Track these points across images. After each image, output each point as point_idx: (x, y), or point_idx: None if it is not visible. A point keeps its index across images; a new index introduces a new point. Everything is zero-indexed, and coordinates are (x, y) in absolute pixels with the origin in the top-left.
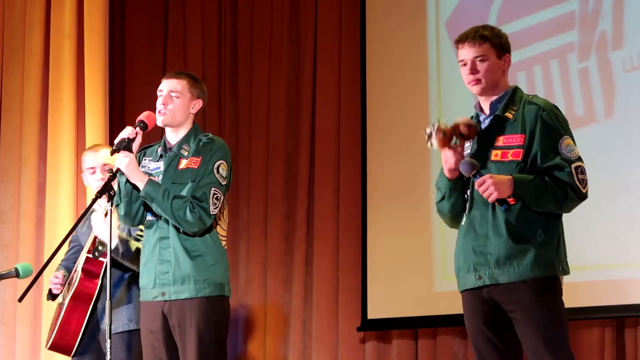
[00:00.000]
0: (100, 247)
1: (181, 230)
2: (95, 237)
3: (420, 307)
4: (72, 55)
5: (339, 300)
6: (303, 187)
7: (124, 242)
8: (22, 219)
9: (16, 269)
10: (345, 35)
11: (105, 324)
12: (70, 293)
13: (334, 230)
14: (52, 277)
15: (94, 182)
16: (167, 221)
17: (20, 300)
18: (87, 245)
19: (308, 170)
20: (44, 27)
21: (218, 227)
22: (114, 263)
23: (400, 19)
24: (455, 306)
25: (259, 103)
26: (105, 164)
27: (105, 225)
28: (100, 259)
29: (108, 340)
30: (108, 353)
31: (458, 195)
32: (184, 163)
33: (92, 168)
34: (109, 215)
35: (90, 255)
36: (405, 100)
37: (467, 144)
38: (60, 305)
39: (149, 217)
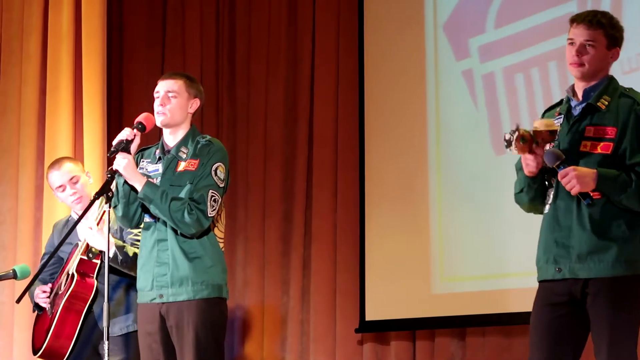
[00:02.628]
0: (94, 249)
1: (179, 232)
2: (86, 242)
3: (418, 309)
4: (70, 57)
5: (337, 302)
6: (301, 188)
7: (121, 248)
8: (20, 220)
9: (14, 271)
10: (343, 37)
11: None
12: (65, 296)
13: (332, 232)
14: (39, 292)
15: (68, 198)
16: (165, 223)
17: (17, 301)
18: (81, 249)
19: (306, 172)
20: (41, 30)
21: (216, 229)
22: (113, 270)
23: (399, 21)
24: (453, 308)
25: (256, 105)
26: (71, 178)
27: (98, 234)
28: (94, 260)
29: (106, 342)
30: (106, 355)
31: (537, 189)
32: (182, 165)
33: (61, 186)
34: (102, 223)
35: (85, 257)
36: (403, 103)
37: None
38: (46, 313)
39: (147, 219)
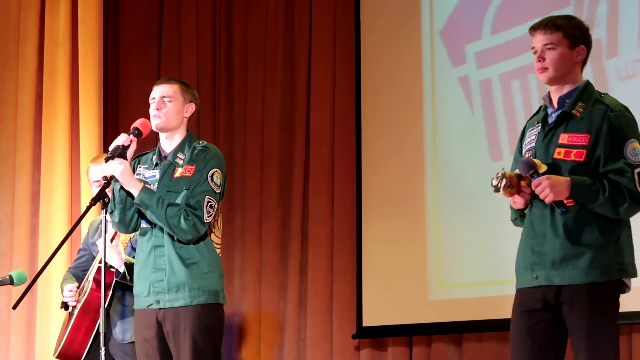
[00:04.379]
0: (115, 278)
1: (175, 238)
2: (104, 249)
3: (415, 315)
4: (67, 62)
5: (334, 308)
6: (298, 194)
7: (132, 266)
8: (17, 226)
9: (10, 277)
10: (340, 42)
11: (116, 333)
12: (81, 302)
13: (329, 237)
14: (66, 291)
15: None
16: (161, 229)
17: (14, 307)
18: (99, 256)
19: (303, 178)
20: (38, 34)
21: (212, 234)
22: (122, 285)
23: (395, 26)
24: (449, 314)
25: (253, 110)
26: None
27: (110, 250)
28: (112, 269)
29: (102, 348)
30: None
31: None
32: (179, 171)
33: (98, 181)
34: (116, 239)
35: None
36: (399, 108)
37: (533, 137)
38: (71, 314)
39: (143, 225)
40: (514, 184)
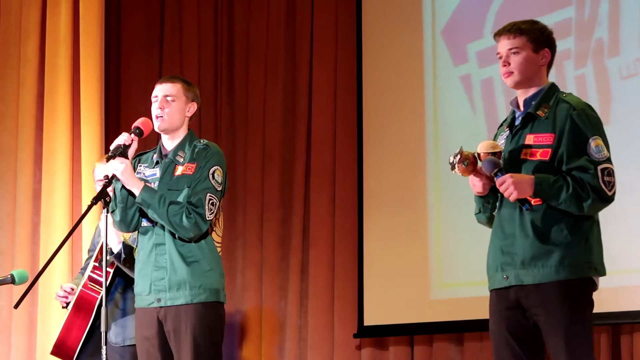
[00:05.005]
0: (107, 257)
1: (177, 236)
2: (102, 246)
3: (417, 314)
4: (68, 61)
5: (335, 307)
6: (299, 193)
7: (128, 247)
8: (18, 225)
9: (12, 276)
10: (342, 42)
11: (110, 336)
12: (74, 300)
13: (330, 236)
14: (58, 291)
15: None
16: (162, 227)
17: (16, 306)
18: (95, 253)
19: (304, 177)
20: (39, 33)
21: (213, 233)
22: (119, 271)
23: (397, 26)
24: (451, 313)
25: (255, 109)
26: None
27: (111, 231)
28: (107, 268)
29: (104, 347)
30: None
31: (491, 208)
32: (179, 169)
33: (102, 180)
34: (109, 223)
35: (97, 264)
36: (401, 107)
37: (502, 141)
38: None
39: (144, 223)
40: (468, 162)
